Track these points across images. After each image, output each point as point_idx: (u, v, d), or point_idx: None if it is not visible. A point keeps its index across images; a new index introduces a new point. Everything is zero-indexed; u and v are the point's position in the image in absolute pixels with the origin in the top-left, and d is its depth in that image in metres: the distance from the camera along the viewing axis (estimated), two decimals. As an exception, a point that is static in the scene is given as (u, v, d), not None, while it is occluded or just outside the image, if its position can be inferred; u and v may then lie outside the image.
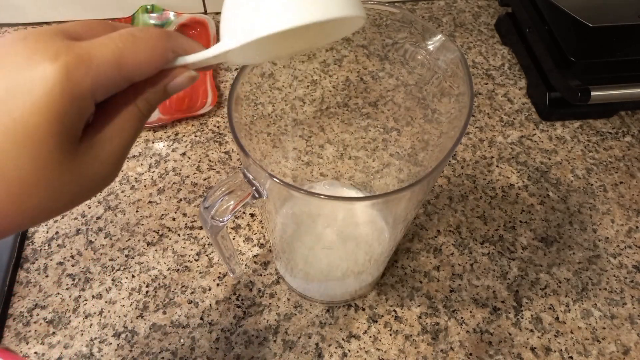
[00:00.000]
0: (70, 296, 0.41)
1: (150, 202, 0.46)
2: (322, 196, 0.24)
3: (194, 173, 0.48)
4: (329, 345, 0.39)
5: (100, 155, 0.19)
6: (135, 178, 0.48)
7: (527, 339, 0.40)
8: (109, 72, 0.18)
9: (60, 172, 0.17)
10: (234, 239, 0.44)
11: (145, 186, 0.47)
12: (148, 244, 0.44)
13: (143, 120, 0.20)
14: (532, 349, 0.39)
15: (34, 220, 0.18)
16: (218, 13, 0.63)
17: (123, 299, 0.41)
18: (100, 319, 0.40)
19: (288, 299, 0.41)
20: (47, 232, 0.44)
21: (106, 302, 0.40)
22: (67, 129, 0.17)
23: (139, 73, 0.19)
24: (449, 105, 0.32)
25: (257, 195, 0.27)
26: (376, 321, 0.40)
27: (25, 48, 0.17)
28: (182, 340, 0.39)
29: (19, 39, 0.17)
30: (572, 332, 0.40)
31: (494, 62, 0.59)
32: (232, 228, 0.45)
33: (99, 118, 0.19)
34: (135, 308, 0.40)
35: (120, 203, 0.46)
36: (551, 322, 0.41)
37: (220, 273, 0.42)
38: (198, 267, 0.42)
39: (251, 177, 0.27)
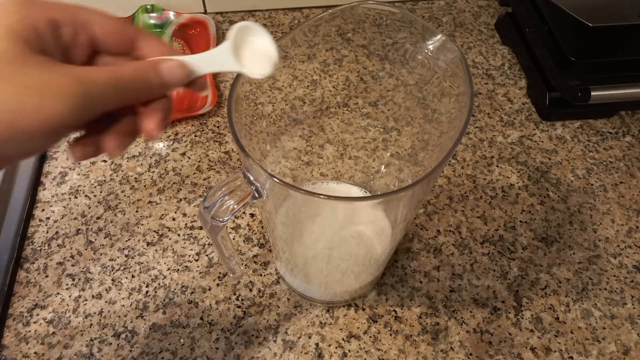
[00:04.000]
0: (70, 296, 0.41)
1: (150, 202, 0.46)
2: (322, 196, 0.24)
3: (194, 173, 0.48)
4: (329, 345, 0.39)
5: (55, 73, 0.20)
6: (135, 178, 0.48)
7: (527, 339, 0.40)
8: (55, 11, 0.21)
9: (21, 67, 0.19)
10: (234, 239, 0.44)
11: (145, 186, 0.47)
12: (148, 244, 0.44)
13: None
14: (532, 349, 0.39)
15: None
16: (218, 13, 0.63)
17: (123, 299, 0.41)
18: (100, 319, 0.40)
19: (288, 299, 0.41)
20: (47, 232, 0.44)
21: (106, 302, 0.40)
22: (28, 40, 0.19)
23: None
24: (449, 105, 0.32)
25: (257, 195, 0.27)
26: (376, 321, 0.40)
27: None
28: (182, 340, 0.39)
29: None
30: (572, 332, 0.40)
31: (494, 62, 0.59)
32: (232, 228, 0.45)
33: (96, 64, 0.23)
34: (135, 308, 0.40)
35: (120, 203, 0.46)
36: (551, 322, 0.41)
37: (220, 273, 0.42)
38: (198, 267, 0.42)
39: (251, 177, 0.27)
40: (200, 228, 0.45)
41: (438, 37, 0.30)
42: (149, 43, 0.23)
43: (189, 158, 0.50)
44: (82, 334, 0.39)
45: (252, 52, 0.25)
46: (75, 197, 0.46)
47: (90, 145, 0.23)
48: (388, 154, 0.42)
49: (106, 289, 0.41)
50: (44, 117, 0.19)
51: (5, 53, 0.19)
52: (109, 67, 0.22)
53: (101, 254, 0.43)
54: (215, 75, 0.57)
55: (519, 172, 0.50)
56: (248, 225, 0.45)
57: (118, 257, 0.43)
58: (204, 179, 0.48)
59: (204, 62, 0.24)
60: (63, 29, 0.21)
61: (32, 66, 0.19)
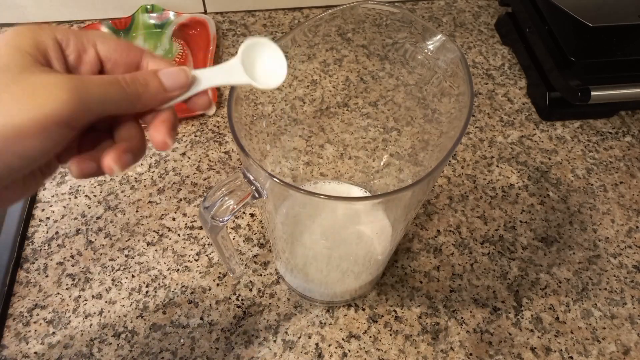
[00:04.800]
0: (70, 296, 0.41)
1: (150, 202, 0.46)
2: (322, 196, 0.24)
3: (194, 173, 0.48)
4: (329, 345, 0.39)
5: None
6: (135, 178, 0.48)
7: (527, 339, 0.40)
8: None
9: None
10: (234, 239, 0.44)
11: (145, 186, 0.47)
12: (148, 244, 0.44)
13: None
14: (532, 349, 0.39)
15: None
16: (218, 13, 0.63)
17: (123, 299, 0.41)
18: (100, 319, 0.40)
19: (288, 299, 0.41)
20: (47, 232, 0.44)
21: (106, 302, 0.40)
22: (35, 56, 0.21)
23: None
24: (449, 105, 0.32)
25: (257, 195, 0.27)
26: (376, 321, 0.40)
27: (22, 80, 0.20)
28: (182, 340, 0.39)
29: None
30: (572, 332, 0.40)
31: (494, 62, 0.59)
32: (232, 228, 0.45)
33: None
34: (135, 308, 0.40)
35: (120, 203, 0.46)
36: (551, 322, 0.41)
37: (220, 273, 0.42)
38: (198, 267, 0.42)
39: (251, 177, 0.27)
40: (200, 228, 0.45)
41: (438, 37, 0.30)
42: (154, 61, 0.24)
43: (189, 158, 0.50)
44: (82, 334, 0.39)
45: (262, 64, 0.25)
46: (75, 197, 0.46)
47: (90, 161, 0.23)
48: (388, 154, 0.42)
49: (106, 289, 0.41)
50: (36, 113, 0.19)
51: (10, 64, 0.20)
52: (109, 75, 0.23)
53: (101, 254, 0.43)
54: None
55: (519, 172, 0.50)
56: (248, 225, 0.45)
57: (118, 257, 0.43)
58: (204, 179, 0.48)
59: (213, 75, 0.24)
60: (69, 48, 0.22)
61: (32, 73, 0.20)
